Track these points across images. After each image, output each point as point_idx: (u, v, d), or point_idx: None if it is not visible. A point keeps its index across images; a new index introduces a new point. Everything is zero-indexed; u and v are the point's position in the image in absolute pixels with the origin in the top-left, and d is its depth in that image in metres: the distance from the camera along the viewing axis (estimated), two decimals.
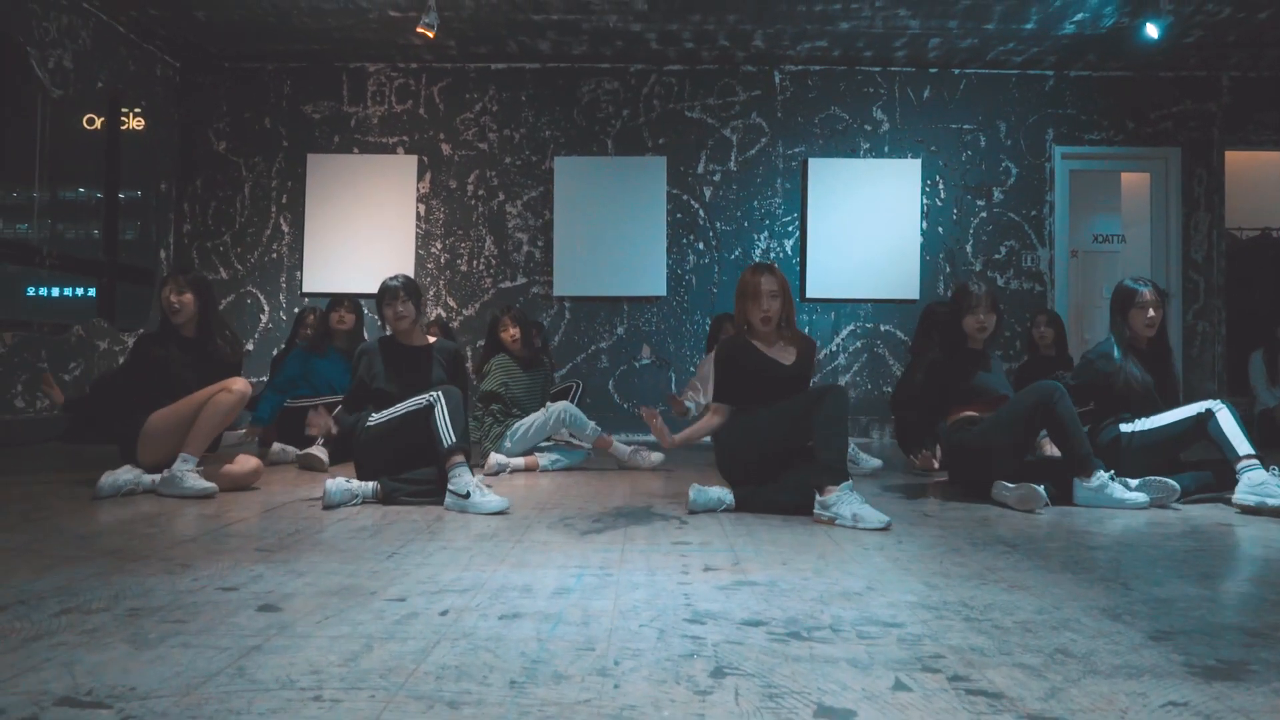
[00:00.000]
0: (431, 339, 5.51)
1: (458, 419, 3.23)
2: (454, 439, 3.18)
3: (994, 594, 1.99)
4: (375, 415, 3.40)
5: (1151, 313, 3.63)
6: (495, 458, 4.22)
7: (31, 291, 5.83)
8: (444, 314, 6.63)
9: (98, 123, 5.96)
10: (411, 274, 6.62)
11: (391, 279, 3.63)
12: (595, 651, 1.56)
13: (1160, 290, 3.71)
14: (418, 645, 1.58)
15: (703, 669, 1.47)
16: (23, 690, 1.35)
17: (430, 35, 5.43)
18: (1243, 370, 6.52)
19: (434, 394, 3.26)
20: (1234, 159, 6.85)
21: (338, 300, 4.95)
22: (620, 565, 2.27)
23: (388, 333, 3.69)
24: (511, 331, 4.58)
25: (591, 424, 4.39)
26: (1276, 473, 3.21)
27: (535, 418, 4.32)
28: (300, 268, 6.66)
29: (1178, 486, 3.31)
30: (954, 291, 3.74)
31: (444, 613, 1.79)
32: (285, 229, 6.70)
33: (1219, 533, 2.83)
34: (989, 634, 1.68)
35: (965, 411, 3.57)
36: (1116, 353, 3.67)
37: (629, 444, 4.66)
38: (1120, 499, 3.26)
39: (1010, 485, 3.27)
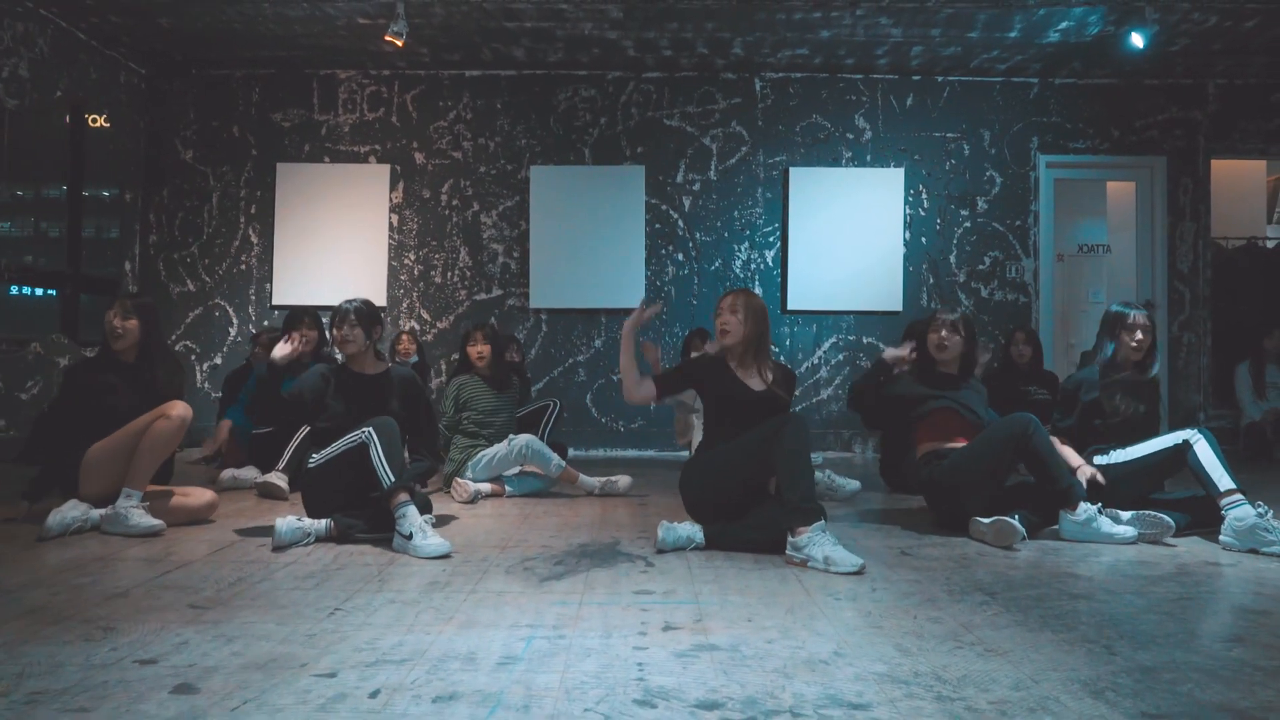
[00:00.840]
0: (409, 354, 5.37)
1: (394, 455, 3.08)
2: (392, 478, 3.03)
3: (970, 661, 1.86)
4: (315, 455, 3.24)
5: (1140, 335, 3.52)
6: (470, 486, 4.08)
7: None
8: (417, 327, 6.48)
9: (59, 130, 5.78)
10: (384, 286, 6.47)
11: (349, 301, 3.44)
12: None
13: (1151, 318, 3.60)
14: None
15: None
16: None
17: (399, 44, 5.28)
18: (1228, 382, 6.43)
19: (366, 430, 3.10)
20: (1219, 167, 6.76)
21: (296, 316, 4.76)
22: (576, 623, 2.13)
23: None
24: (479, 349, 4.39)
25: (555, 459, 4.18)
26: (1262, 510, 3.10)
27: (498, 449, 4.16)
28: (270, 280, 6.50)
29: (1172, 523, 3.20)
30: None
31: (374, 694, 1.65)
32: (254, 240, 6.54)
33: (1206, 575, 2.72)
34: (961, 718, 1.55)
35: (933, 443, 3.45)
36: (1092, 374, 3.58)
37: (601, 477, 4.42)
38: (1109, 533, 3.14)
39: (986, 521, 3.16)
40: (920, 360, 3.61)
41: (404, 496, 3.02)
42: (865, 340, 6.45)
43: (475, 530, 3.41)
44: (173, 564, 2.74)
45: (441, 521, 3.52)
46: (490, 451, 4.16)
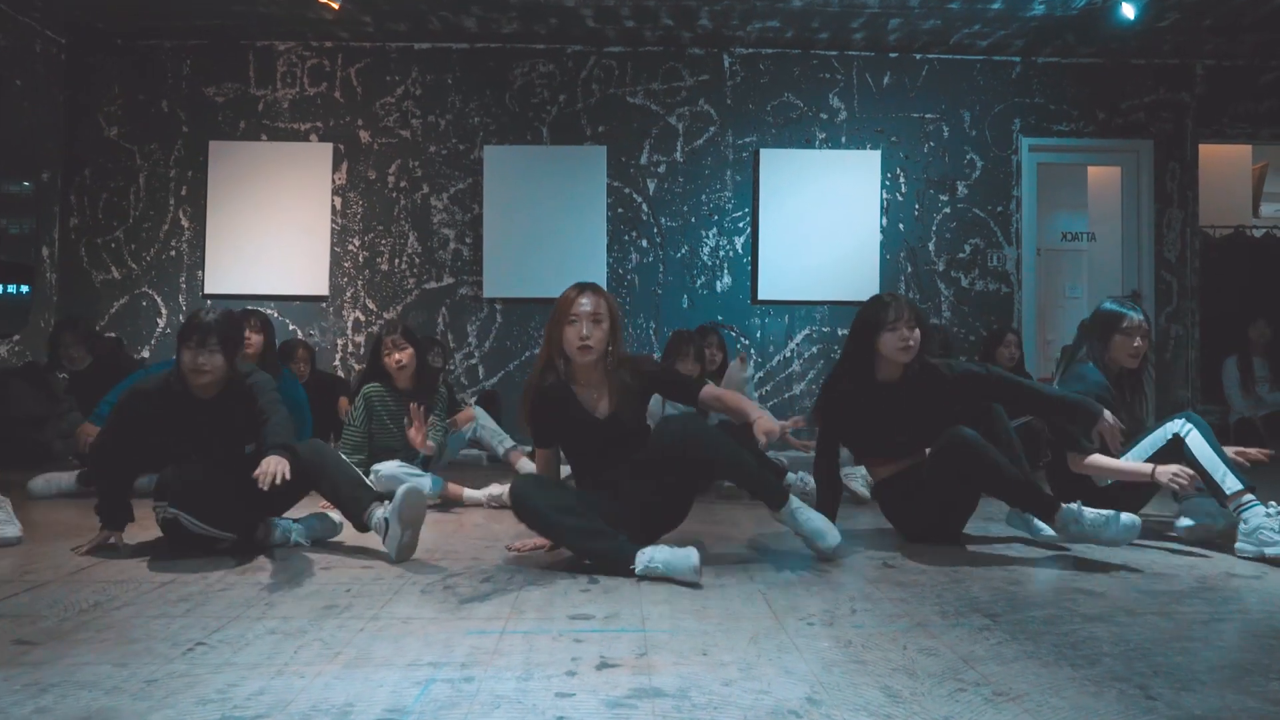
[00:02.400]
0: (302, 375, 4.66)
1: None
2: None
3: (977, 711, 1.48)
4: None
5: (1138, 341, 3.13)
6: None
7: None
8: (361, 317, 6.03)
9: None
10: (326, 274, 6.01)
11: (208, 311, 2.72)
12: None
13: (1147, 317, 3.21)
14: None
15: None
16: None
17: (334, 7, 4.85)
18: (1217, 376, 6.15)
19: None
20: (1204, 153, 6.48)
21: (243, 315, 4.12)
22: (491, 659, 1.73)
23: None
24: (398, 356, 3.64)
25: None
26: (1272, 510, 2.76)
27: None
28: (202, 267, 6.02)
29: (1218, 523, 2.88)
30: (864, 307, 2.94)
31: None
32: (185, 224, 6.05)
33: (1232, 591, 2.36)
34: None
35: (884, 466, 2.98)
36: (1099, 376, 3.13)
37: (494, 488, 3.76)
38: (1104, 523, 2.72)
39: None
40: (856, 366, 2.93)
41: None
42: (840, 332, 6.09)
43: (441, 528, 2.99)
44: (26, 583, 2.30)
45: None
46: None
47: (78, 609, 2.07)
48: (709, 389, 2.74)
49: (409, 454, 3.59)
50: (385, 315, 6.05)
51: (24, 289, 5.80)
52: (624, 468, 2.60)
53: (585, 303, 2.61)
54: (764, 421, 2.50)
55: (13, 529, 2.75)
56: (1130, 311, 3.15)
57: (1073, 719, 1.45)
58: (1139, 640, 1.88)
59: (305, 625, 1.95)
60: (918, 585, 2.36)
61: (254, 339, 4.15)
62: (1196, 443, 2.91)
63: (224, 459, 2.70)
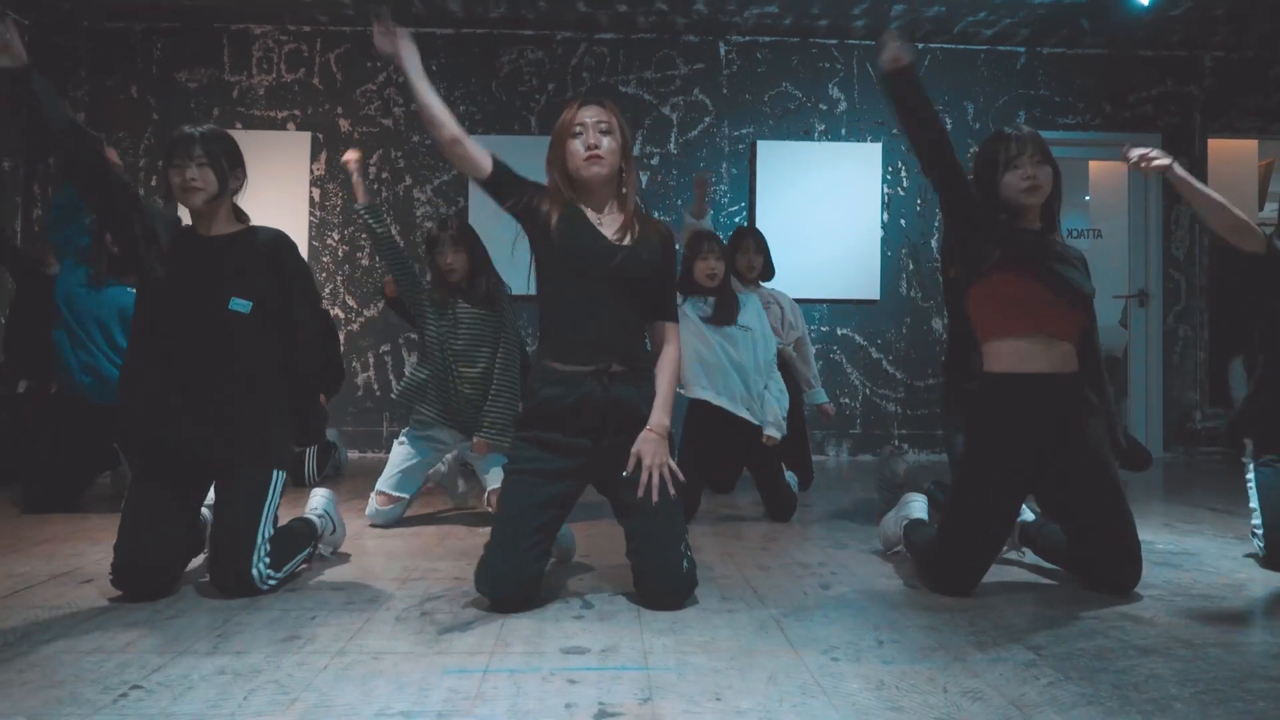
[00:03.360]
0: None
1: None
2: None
3: None
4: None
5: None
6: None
7: None
8: (340, 314, 5.77)
9: None
10: None
11: (190, 126, 2.34)
12: None
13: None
14: None
15: None
16: None
17: None
18: (1225, 378, 5.97)
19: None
20: (1213, 149, 6.30)
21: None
22: (473, 706, 1.50)
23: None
24: (450, 260, 3.26)
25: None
26: None
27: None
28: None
29: None
30: (983, 145, 2.41)
31: None
32: None
33: None
34: None
35: (994, 339, 2.33)
36: None
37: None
38: None
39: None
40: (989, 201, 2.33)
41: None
42: (840, 331, 5.88)
43: (376, 555, 2.75)
44: None
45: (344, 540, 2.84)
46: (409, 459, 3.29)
47: (4, 642, 1.82)
48: (671, 353, 2.28)
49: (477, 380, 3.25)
50: (366, 313, 5.79)
51: None
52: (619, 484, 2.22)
53: (589, 113, 2.19)
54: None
55: None
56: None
57: None
58: (1208, 679, 1.66)
59: (260, 663, 1.71)
60: (945, 610, 2.14)
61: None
62: None
63: (202, 319, 2.26)
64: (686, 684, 1.62)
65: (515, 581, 2.07)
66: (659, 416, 2.20)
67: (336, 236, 5.82)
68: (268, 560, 2.23)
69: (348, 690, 1.57)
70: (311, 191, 5.80)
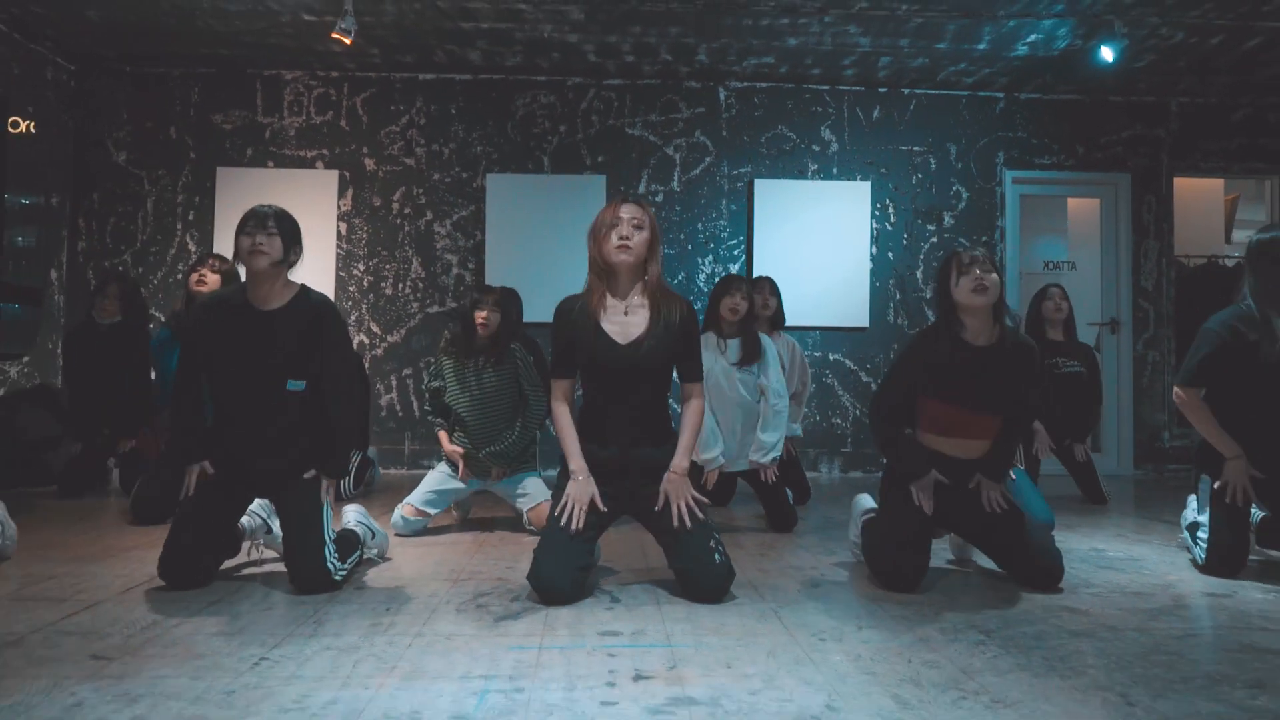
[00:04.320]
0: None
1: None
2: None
3: (977, 715, 1.66)
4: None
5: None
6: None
7: None
8: (365, 340, 6.17)
9: None
10: (331, 298, 6.14)
11: (265, 205, 2.75)
12: None
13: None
14: None
15: None
16: None
17: (347, 42, 5.01)
18: None
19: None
20: (1179, 186, 6.75)
21: (203, 257, 4.14)
22: (535, 672, 1.90)
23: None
24: (485, 315, 3.64)
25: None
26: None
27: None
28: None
29: None
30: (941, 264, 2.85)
31: None
32: (192, 248, 6.19)
33: (1206, 608, 2.56)
34: None
35: (947, 440, 2.85)
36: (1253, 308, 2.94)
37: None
38: None
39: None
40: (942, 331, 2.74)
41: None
42: (831, 357, 6.30)
43: (425, 560, 3.14)
44: (80, 604, 2.44)
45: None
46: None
47: (138, 627, 2.21)
48: (695, 406, 2.75)
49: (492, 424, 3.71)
50: (390, 339, 6.19)
51: (28, 309, 5.90)
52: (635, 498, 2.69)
53: (626, 210, 2.63)
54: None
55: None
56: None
57: (1058, 712, 1.64)
58: (1120, 653, 2.07)
59: (356, 642, 2.11)
60: (917, 604, 2.55)
61: (210, 279, 4.11)
62: None
63: (262, 392, 2.67)
64: (703, 656, 2.02)
65: (562, 580, 2.48)
66: (679, 460, 2.67)
67: (361, 267, 6.23)
68: (336, 554, 2.64)
69: (434, 661, 1.97)
70: (339, 225, 6.21)
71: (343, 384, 2.76)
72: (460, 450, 3.68)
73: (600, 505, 2.62)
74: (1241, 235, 8.23)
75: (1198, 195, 7.38)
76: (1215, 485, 3.04)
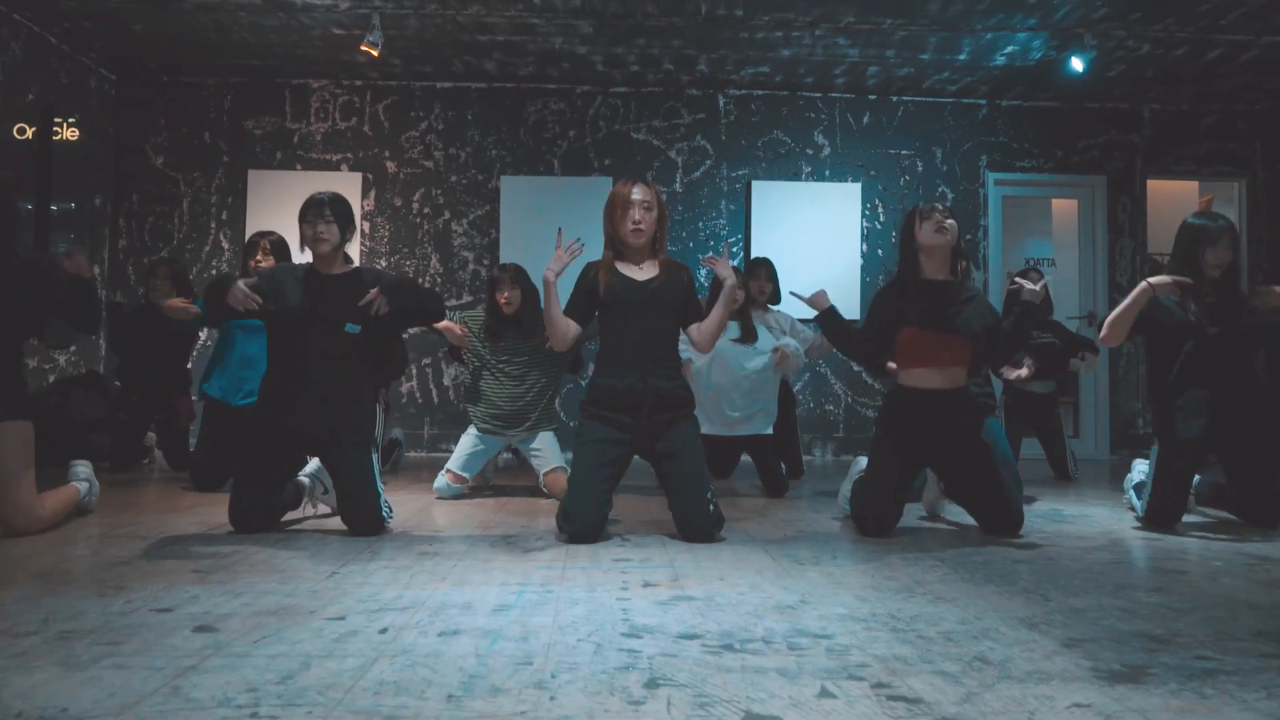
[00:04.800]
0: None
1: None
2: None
3: (921, 605, 2.06)
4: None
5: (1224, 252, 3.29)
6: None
7: None
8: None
9: (28, 133, 5.80)
10: None
11: (320, 192, 3.14)
12: (533, 665, 1.59)
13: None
14: (356, 662, 1.59)
15: (637, 680, 1.51)
16: None
17: (374, 54, 5.43)
18: None
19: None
20: (1158, 186, 7.16)
21: (253, 241, 4.50)
22: (561, 582, 2.30)
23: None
24: (507, 294, 4.04)
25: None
26: None
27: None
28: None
29: None
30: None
31: (383, 630, 1.80)
32: (225, 246, 6.61)
33: (1137, 545, 2.96)
34: (913, 644, 1.74)
35: (918, 370, 3.20)
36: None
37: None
38: None
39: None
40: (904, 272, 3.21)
41: None
42: None
43: (455, 515, 3.55)
44: (167, 540, 2.84)
45: (418, 509, 3.66)
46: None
47: (224, 553, 2.62)
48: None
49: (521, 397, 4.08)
50: (410, 330, 6.59)
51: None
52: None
53: (636, 192, 3.07)
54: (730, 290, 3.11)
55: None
56: (1212, 222, 3.36)
57: (987, 609, 2.03)
58: (1051, 572, 2.48)
59: (410, 563, 2.51)
60: (887, 543, 2.95)
61: (266, 263, 4.38)
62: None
63: (321, 336, 3.03)
64: (701, 572, 2.42)
65: (589, 522, 2.88)
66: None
67: (384, 263, 6.64)
68: (386, 503, 3.05)
69: (476, 575, 2.37)
70: (363, 224, 6.63)
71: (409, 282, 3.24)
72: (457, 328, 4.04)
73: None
74: None
75: (1172, 196, 7.76)
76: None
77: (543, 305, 3.14)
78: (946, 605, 2.07)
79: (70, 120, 6.15)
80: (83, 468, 3.39)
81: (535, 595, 2.14)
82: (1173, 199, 7.51)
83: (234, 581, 2.25)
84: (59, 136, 6.08)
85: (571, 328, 3.10)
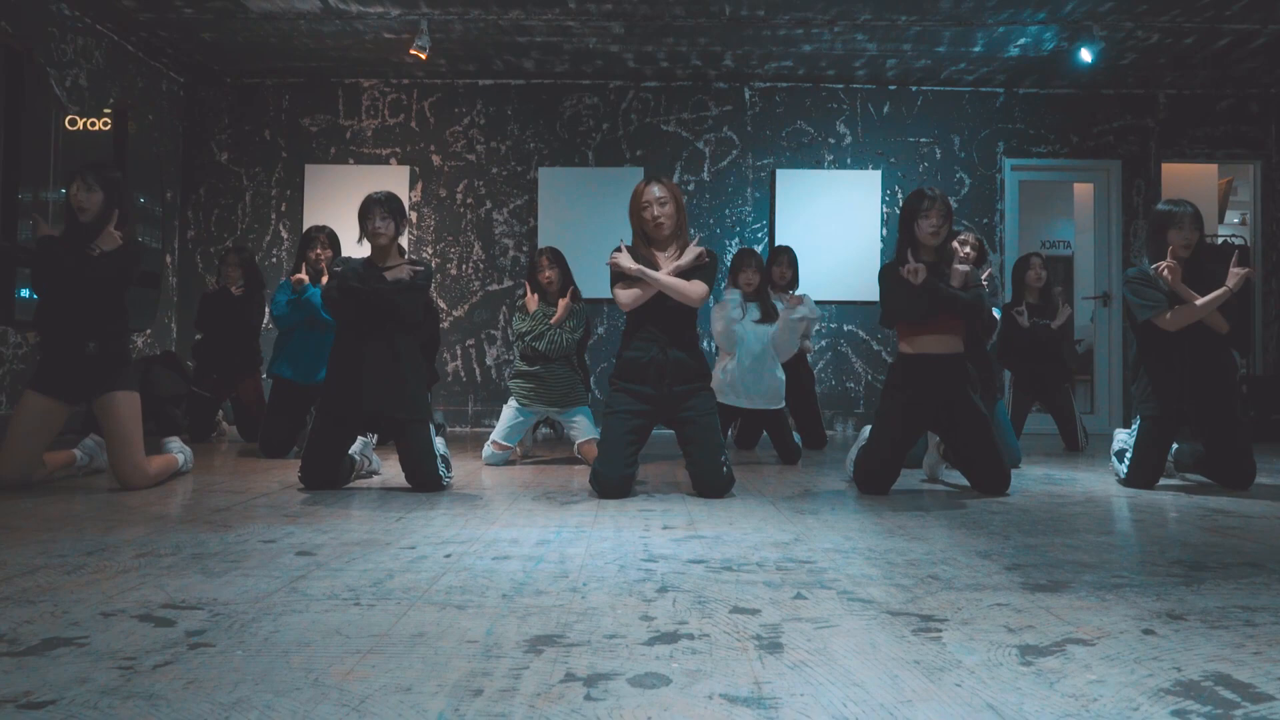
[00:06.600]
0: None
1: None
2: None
3: (897, 542, 2.44)
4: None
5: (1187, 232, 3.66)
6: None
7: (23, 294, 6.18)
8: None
9: (97, 124, 6.28)
10: None
11: (376, 192, 3.55)
12: (568, 578, 2.00)
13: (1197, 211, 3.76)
14: (429, 575, 2.01)
15: (651, 588, 1.91)
16: (132, 600, 1.77)
17: (423, 57, 5.85)
18: None
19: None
20: (1177, 170, 7.36)
21: (311, 235, 4.95)
22: (593, 525, 2.71)
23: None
24: (548, 274, 4.49)
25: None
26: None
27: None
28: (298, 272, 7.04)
29: None
30: (906, 198, 3.61)
31: (448, 555, 2.23)
32: (284, 235, 7.10)
33: (1106, 502, 3.30)
34: (880, 566, 2.13)
35: (921, 337, 3.50)
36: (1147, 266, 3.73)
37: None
38: None
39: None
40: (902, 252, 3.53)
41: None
42: (846, 328, 7.03)
43: (499, 478, 3.98)
44: (253, 494, 3.30)
45: (469, 473, 4.09)
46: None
47: (305, 504, 3.07)
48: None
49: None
50: (455, 313, 7.05)
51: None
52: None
53: (655, 190, 3.42)
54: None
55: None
56: (1177, 208, 3.76)
57: (952, 545, 2.40)
58: (1020, 520, 2.83)
59: (463, 512, 2.94)
60: (881, 497, 3.32)
61: (325, 255, 4.93)
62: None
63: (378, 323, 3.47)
64: (714, 519, 2.82)
65: (616, 478, 3.30)
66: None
67: (430, 251, 7.09)
68: (445, 467, 3.48)
69: (521, 520, 2.79)
70: (410, 214, 7.08)
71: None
72: None
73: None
74: (1234, 216, 8.79)
75: (1191, 179, 7.95)
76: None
77: (658, 286, 3.36)
78: (919, 542, 2.44)
79: (142, 121, 6.66)
80: (175, 443, 3.87)
81: (571, 534, 2.55)
82: (1188, 181, 7.69)
83: (320, 522, 2.69)
84: (133, 137, 6.59)
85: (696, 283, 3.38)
